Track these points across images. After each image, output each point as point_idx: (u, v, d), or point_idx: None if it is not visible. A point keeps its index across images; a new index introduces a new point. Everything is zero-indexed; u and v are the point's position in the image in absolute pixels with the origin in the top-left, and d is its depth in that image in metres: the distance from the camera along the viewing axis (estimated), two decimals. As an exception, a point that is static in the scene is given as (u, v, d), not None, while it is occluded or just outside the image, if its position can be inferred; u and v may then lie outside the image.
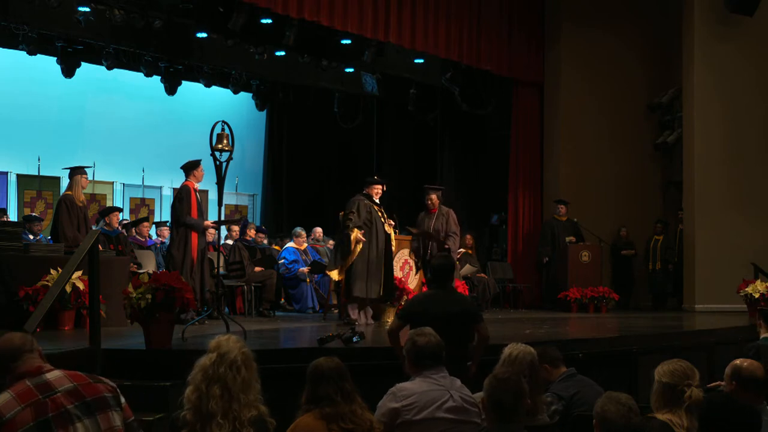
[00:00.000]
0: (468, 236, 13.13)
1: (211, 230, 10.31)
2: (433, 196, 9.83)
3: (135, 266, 9.75)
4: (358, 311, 8.82)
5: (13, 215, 12.54)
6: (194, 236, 8.55)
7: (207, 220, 8.91)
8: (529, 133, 14.13)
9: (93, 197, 13.46)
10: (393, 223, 9.12)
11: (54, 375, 3.06)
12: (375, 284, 8.80)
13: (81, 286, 7.26)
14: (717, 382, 4.83)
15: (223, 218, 7.98)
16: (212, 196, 13.54)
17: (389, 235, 9.02)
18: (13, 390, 3.01)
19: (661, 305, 13.50)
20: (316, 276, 11.36)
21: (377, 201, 9.01)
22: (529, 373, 4.13)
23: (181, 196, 8.67)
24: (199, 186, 8.86)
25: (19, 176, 13.21)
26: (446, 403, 3.91)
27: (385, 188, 9.19)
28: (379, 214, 8.94)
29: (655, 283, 13.74)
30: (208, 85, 14.31)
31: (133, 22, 11.45)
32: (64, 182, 10.98)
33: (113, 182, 14.25)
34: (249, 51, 13.13)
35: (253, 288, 10.30)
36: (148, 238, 11.79)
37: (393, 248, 9.14)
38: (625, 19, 13.95)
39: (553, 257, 13.07)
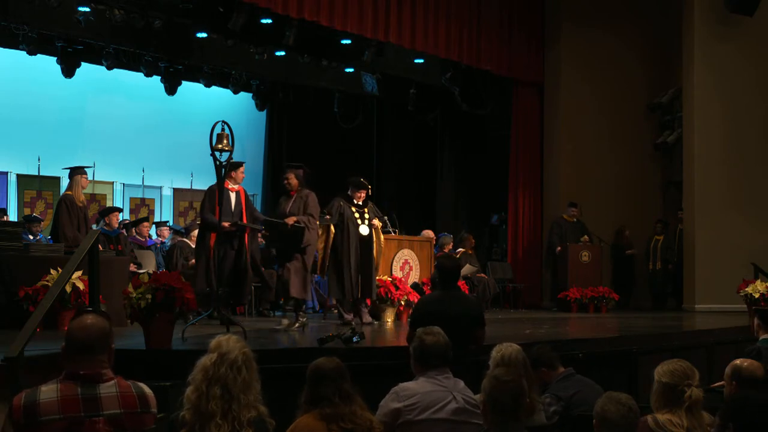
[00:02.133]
0: (469, 236, 13.14)
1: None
2: (291, 176, 8.48)
3: (135, 266, 9.74)
4: (346, 311, 8.79)
5: (13, 215, 12.54)
6: (212, 235, 8.39)
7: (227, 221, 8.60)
8: (529, 133, 14.13)
9: (93, 197, 13.45)
10: (378, 224, 9.00)
11: (107, 390, 2.98)
12: (350, 284, 8.71)
13: (81, 286, 7.26)
14: (720, 383, 4.82)
15: (234, 220, 8.02)
16: (212, 196, 13.53)
17: (370, 236, 8.88)
18: (62, 390, 2.93)
19: (660, 305, 13.46)
20: (316, 276, 11.35)
21: (359, 203, 8.94)
22: (524, 373, 4.14)
23: (205, 195, 8.62)
24: (236, 186, 8.52)
25: (19, 176, 13.20)
26: (449, 404, 3.90)
27: (369, 192, 9.06)
28: (356, 215, 8.86)
29: (655, 283, 13.71)
30: (208, 85, 14.31)
31: (133, 22, 11.45)
32: (64, 182, 10.98)
33: (113, 182, 14.24)
34: (249, 51, 13.13)
35: (253, 288, 10.29)
36: (148, 238, 11.79)
37: (375, 249, 8.94)
38: (625, 19, 13.95)
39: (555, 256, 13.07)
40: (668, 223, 13.77)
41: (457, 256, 12.33)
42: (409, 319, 5.69)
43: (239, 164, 8.68)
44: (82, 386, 2.94)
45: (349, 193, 8.98)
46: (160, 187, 14.87)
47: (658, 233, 13.68)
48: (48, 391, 2.92)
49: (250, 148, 16.07)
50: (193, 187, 14.93)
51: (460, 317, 5.01)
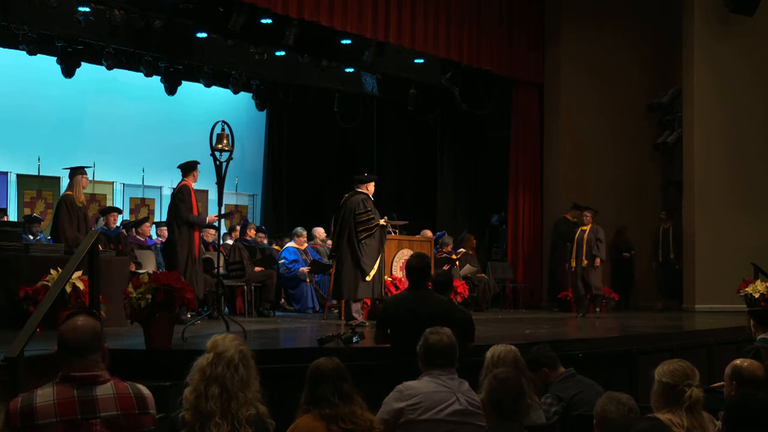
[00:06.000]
0: (470, 236, 13.13)
1: (211, 231, 10.32)
2: None
3: (135, 266, 9.75)
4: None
5: (13, 215, 12.53)
6: (196, 235, 8.62)
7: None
8: (529, 133, 14.13)
9: (93, 197, 13.45)
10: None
11: (104, 392, 2.96)
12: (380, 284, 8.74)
13: (81, 286, 7.25)
14: (720, 383, 4.81)
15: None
16: (212, 196, 13.54)
17: None
18: (58, 393, 2.91)
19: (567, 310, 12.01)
20: (316, 276, 11.36)
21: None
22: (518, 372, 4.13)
23: (183, 195, 8.66)
24: (195, 186, 8.88)
25: (19, 176, 13.20)
26: (451, 405, 3.89)
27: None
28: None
29: (575, 284, 11.68)
30: (208, 85, 14.31)
31: (133, 22, 11.45)
32: (64, 182, 10.98)
33: (113, 182, 14.24)
34: (249, 51, 13.12)
35: (253, 288, 10.30)
36: (148, 238, 11.80)
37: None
38: (625, 19, 13.96)
39: (553, 257, 13.06)
40: (598, 211, 12.02)
41: (458, 256, 12.34)
42: (376, 319, 5.62)
43: (195, 163, 8.84)
44: (78, 389, 2.93)
45: (360, 188, 8.77)
46: (160, 187, 14.86)
47: (584, 224, 11.73)
48: (44, 394, 2.90)
49: (250, 148, 16.09)
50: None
51: (431, 317, 4.78)
